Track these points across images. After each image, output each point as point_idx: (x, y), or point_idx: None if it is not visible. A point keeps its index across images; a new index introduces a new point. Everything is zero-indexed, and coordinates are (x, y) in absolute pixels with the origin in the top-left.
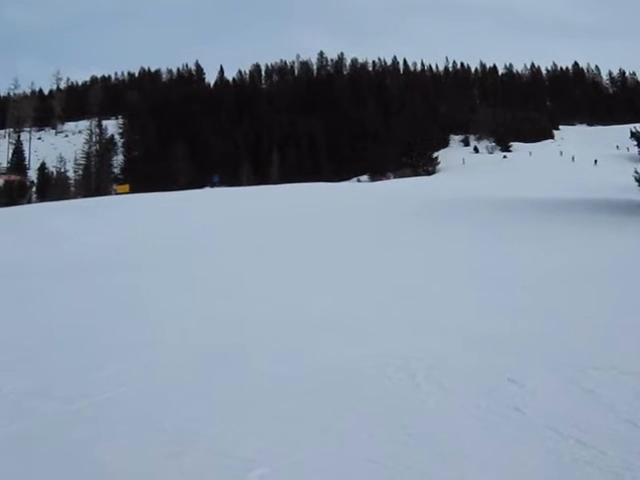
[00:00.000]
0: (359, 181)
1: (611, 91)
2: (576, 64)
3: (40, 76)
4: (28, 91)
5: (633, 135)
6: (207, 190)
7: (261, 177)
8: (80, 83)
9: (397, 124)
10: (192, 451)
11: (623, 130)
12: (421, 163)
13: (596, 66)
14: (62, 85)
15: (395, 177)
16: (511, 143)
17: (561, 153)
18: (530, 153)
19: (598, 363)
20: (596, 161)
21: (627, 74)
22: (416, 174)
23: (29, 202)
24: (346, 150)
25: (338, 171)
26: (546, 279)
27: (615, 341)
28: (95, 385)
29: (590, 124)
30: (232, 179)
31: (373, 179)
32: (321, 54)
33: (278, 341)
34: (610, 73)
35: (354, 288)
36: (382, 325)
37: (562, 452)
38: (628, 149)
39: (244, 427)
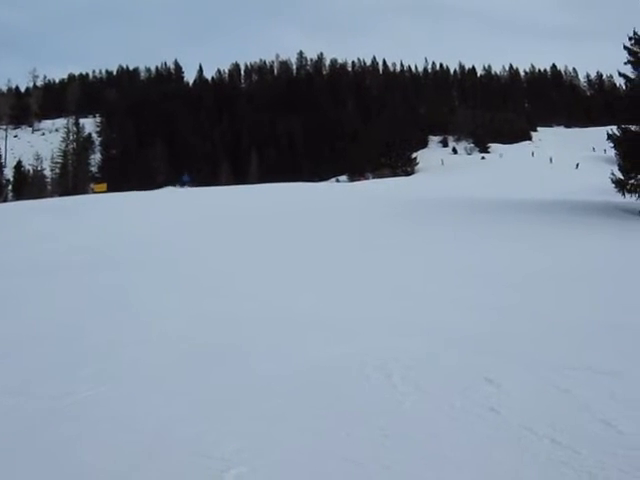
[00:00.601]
0: (338, 181)
1: (588, 93)
2: (554, 66)
3: (17, 74)
4: (4, 89)
5: (610, 137)
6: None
7: (240, 176)
8: (57, 81)
9: (376, 124)
10: (171, 451)
11: (600, 132)
12: (400, 164)
13: (574, 68)
14: (39, 83)
15: (374, 177)
16: (489, 144)
17: (532, 154)
18: (500, 155)
19: (574, 363)
20: (578, 165)
21: (604, 77)
22: (395, 174)
23: (5, 200)
24: (325, 150)
25: (317, 171)
26: (527, 278)
27: (592, 341)
28: (77, 383)
29: (568, 126)
30: (211, 178)
31: (352, 179)
32: (300, 54)
33: (262, 340)
34: (588, 75)
35: (337, 287)
36: (364, 324)
37: (537, 452)
38: (605, 151)
39: (225, 427)
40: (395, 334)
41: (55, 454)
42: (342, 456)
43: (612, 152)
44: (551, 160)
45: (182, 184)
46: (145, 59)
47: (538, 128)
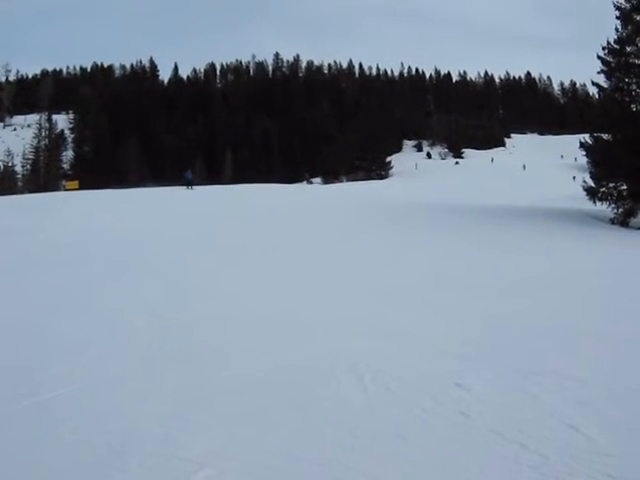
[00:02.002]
0: (311, 183)
1: (562, 101)
2: (529, 74)
3: None
4: None
5: (582, 145)
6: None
7: (214, 176)
8: (30, 76)
9: (351, 127)
10: (138, 452)
11: (573, 140)
12: (374, 167)
13: (548, 76)
14: (11, 77)
15: (348, 180)
16: (463, 150)
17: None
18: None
19: (543, 369)
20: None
21: (578, 85)
22: (369, 178)
23: None
24: (299, 152)
25: (291, 172)
26: (503, 284)
27: (560, 347)
28: (38, 385)
29: (541, 133)
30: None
31: (326, 182)
32: (277, 55)
33: (236, 340)
34: (562, 84)
35: (317, 290)
36: (338, 326)
37: (506, 456)
38: (576, 159)
39: (195, 427)
40: (368, 337)
41: (12, 456)
42: (310, 458)
43: (583, 160)
44: (524, 167)
45: (187, 183)
46: (120, 56)
47: (512, 135)
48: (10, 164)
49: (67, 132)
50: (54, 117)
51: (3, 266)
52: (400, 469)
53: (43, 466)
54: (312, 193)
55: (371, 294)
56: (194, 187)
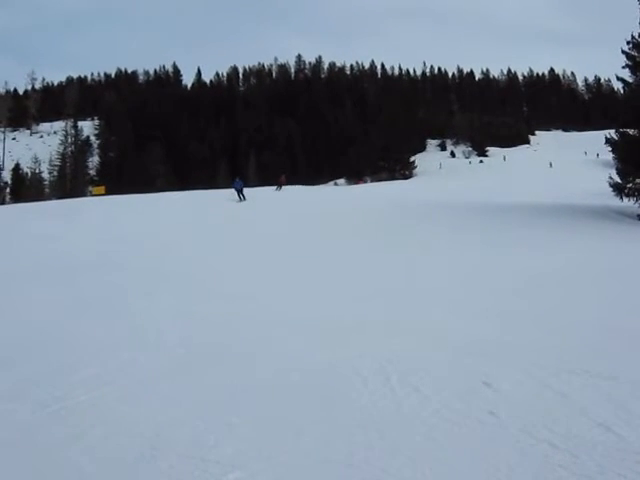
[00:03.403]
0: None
1: (586, 97)
2: (552, 70)
3: (15, 76)
4: (2, 91)
5: (608, 141)
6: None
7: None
8: (56, 83)
9: (374, 128)
10: (168, 454)
11: (598, 136)
12: (398, 167)
13: (572, 72)
14: (37, 85)
15: (372, 181)
16: (487, 148)
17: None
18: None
19: (572, 366)
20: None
21: (602, 81)
22: (393, 178)
23: (3, 203)
24: (323, 153)
25: (315, 174)
26: (530, 283)
27: (589, 344)
28: (71, 388)
29: (566, 130)
30: (209, 181)
31: (350, 183)
32: (299, 57)
33: (261, 343)
34: (586, 79)
35: (343, 289)
36: (363, 328)
37: (536, 455)
38: (598, 155)
39: (223, 430)
40: (393, 338)
41: (45, 459)
42: (340, 459)
43: (606, 156)
44: (551, 165)
45: (238, 191)
46: (143, 62)
47: (536, 132)
48: (37, 171)
49: (93, 138)
50: (79, 123)
51: (33, 270)
52: (429, 470)
53: (75, 469)
54: (346, 195)
55: (397, 295)
56: (244, 196)
